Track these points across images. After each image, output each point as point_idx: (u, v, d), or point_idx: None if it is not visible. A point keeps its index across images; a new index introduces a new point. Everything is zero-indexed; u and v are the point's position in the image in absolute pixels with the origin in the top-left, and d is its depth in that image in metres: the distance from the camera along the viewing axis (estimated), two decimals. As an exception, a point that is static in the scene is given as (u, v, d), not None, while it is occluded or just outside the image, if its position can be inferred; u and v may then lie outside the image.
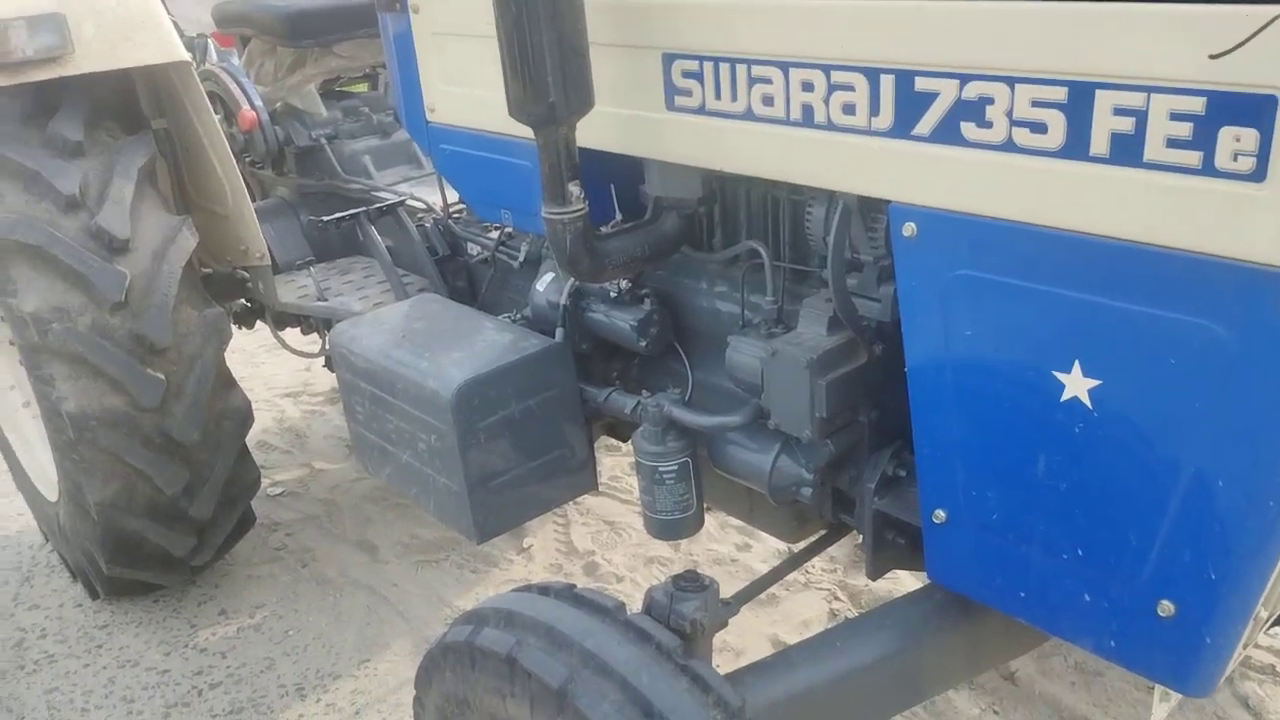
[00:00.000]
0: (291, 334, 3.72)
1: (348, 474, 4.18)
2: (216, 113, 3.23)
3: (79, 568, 3.42)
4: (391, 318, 2.48)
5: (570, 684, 1.50)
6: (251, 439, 3.34)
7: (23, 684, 3.15)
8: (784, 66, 1.55)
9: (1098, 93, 1.21)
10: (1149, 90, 1.17)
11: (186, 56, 2.97)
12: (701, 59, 1.67)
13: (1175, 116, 1.16)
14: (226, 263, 3.46)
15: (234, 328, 3.47)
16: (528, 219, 2.23)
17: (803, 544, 2.29)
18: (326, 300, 3.27)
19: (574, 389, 2.28)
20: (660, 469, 2.10)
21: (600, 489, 3.48)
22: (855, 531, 2.12)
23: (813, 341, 1.77)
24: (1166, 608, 1.38)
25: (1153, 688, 1.61)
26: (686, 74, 1.70)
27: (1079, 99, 1.23)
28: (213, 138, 3.16)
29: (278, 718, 2.95)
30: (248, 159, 3.75)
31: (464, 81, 2.21)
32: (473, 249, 3.12)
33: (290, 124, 3.68)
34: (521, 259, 2.75)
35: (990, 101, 1.32)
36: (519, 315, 2.46)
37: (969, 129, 1.35)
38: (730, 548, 3.52)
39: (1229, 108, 1.11)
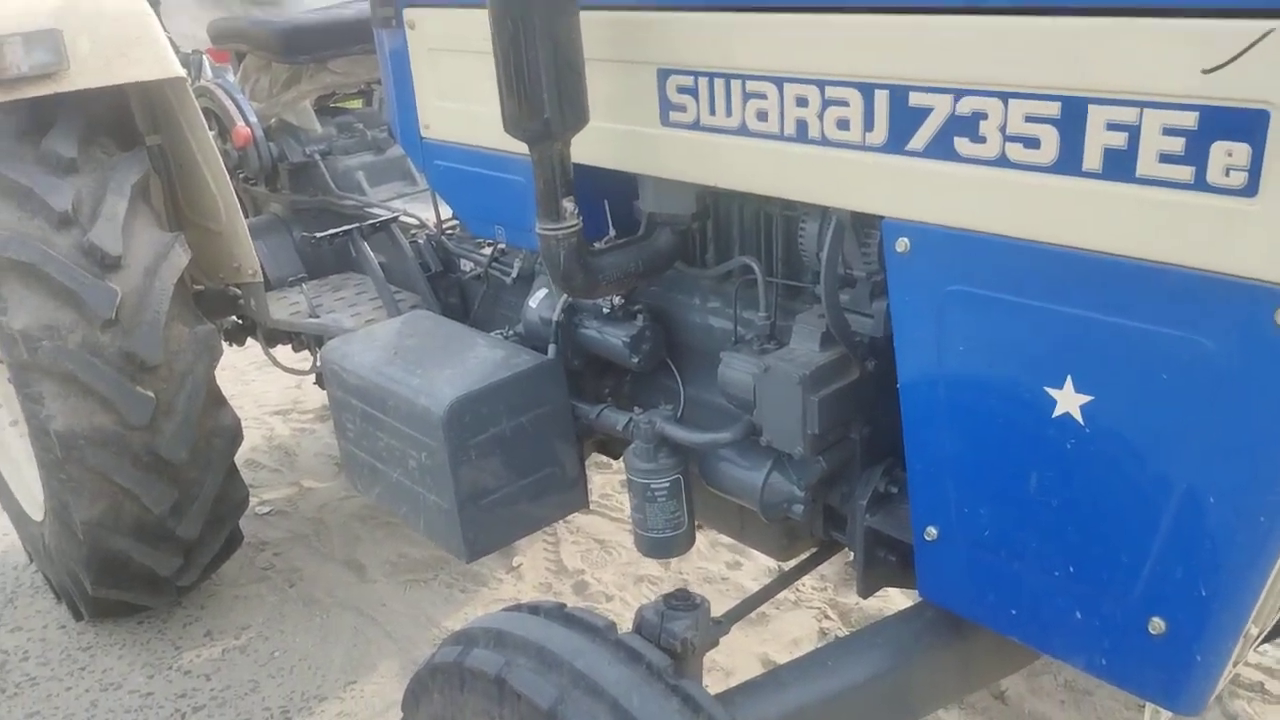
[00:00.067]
0: (283, 351, 3.71)
1: (336, 492, 4.15)
2: (211, 129, 3.24)
3: (63, 588, 3.38)
4: (383, 334, 2.48)
5: (560, 705, 1.48)
6: (240, 457, 3.32)
7: (4, 707, 3.11)
8: (778, 82, 1.56)
9: (1090, 108, 1.22)
10: (1141, 105, 1.17)
11: (182, 73, 2.97)
12: (696, 74, 1.68)
13: (1168, 131, 1.16)
14: (219, 279, 3.46)
15: (225, 345, 3.45)
16: (521, 235, 2.23)
17: (793, 562, 2.28)
18: (318, 317, 3.27)
19: (566, 406, 2.27)
20: (652, 486, 2.10)
21: (591, 507, 3.47)
22: (846, 549, 2.11)
23: (805, 357, 1.77)
24: (1157, 625, 1.37)
25: (1143, 706, 1.60)
26: (681, 89, 1.71)
27: (1072, 114, 1.24)
28: (207, 154, 3.16)
29: (263, 739, 2.92)
30: (241, 175, 3.75)
31: (459, 97, 2.21)
32: (466, 265, 3.12)
33: (284, 140, 3.68)
34: (514, 275, 2.75)
35: (984, 117, 1.32)
36: (511, 332, 2.46)
37: (962, 144, 1.36)
38: (721, 566, 3.51)
39: (1221, 123, 1.12)
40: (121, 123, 3.20)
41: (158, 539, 3.06)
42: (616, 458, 2.68)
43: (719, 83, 1.64)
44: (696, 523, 2.22)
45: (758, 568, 3.46)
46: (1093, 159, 1.23)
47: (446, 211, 3.19)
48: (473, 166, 2.25)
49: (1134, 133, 1.19)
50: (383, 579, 3.59)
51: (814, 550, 2.25)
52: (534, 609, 1.70)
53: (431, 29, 2.21)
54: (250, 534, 3.70)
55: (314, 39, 3.52)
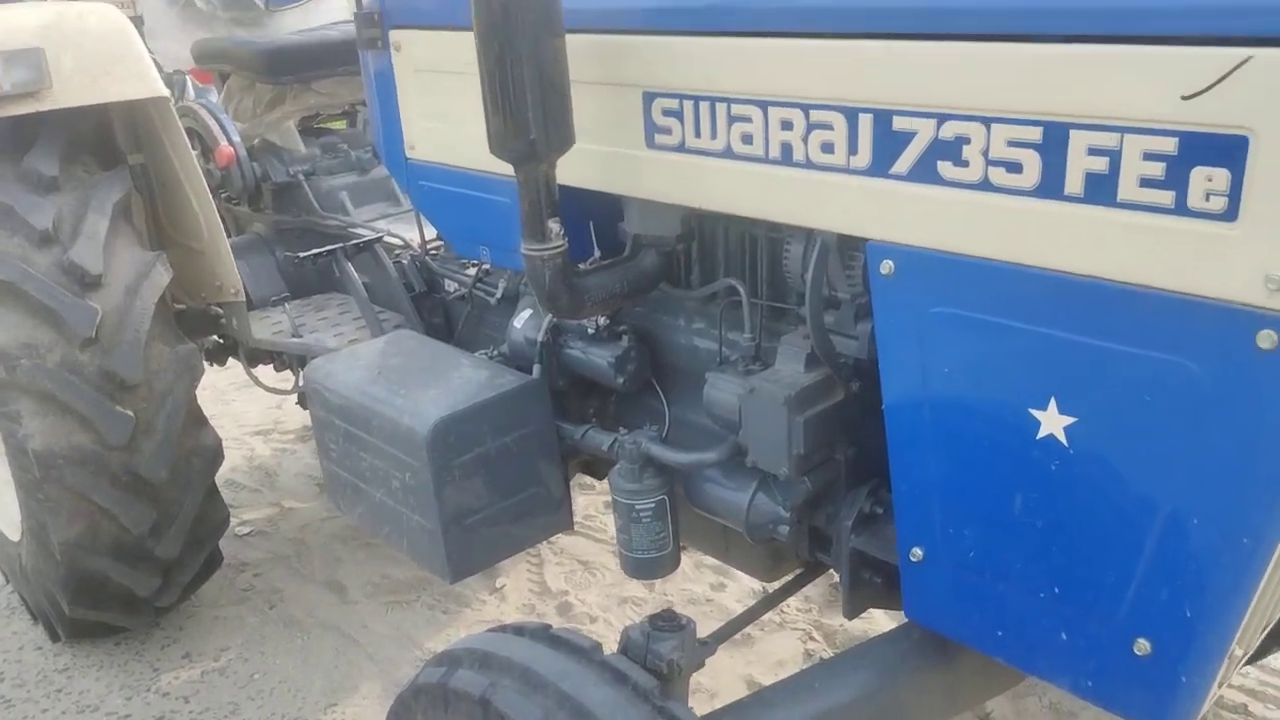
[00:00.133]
0: (264, 371, 3.69)
1: (318, 513, 4.13)
2: (194, 148, 3.23)
3: (40, 609, 3.34)
4: (367, 354, 2.47)
5: (546, 726, 1.47)
6: (220, 477, 3.29)
7: (-21, 728, 3.07)
8: (763, 105, 1.57)
9: (1072, 133, 1.23)
10: (1122, 131, 1.19)
11: (165, 92, 2.97)
12: (681, 97, 1.69)
13: (1148, 157, 1.18)
14: (200, 298, 3.44)
15: (206, 364, 3.43)
16: (506, 255, 2.23)
17: (778, 583, 2.28)
18: (301, 336, 3.25)
19: (550, 426, 2.27)
20: (637, 507, 2.09)
21: (575, 528, 3.46)
22: (831, 570, 2.11)
23: (790, 379, 1.78)
24: (1143, 646, 1.38)
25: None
26: (666, 112, 1.72)
27: (1054, 139, 1.25)
28: (189, 173, 3.15)
29: (243, 763, 2.88)
30: (224, 195, 3.74)
31: (444, 119, 2.22)
32: (450, 286, 3.12)
33: (268, 160, 3.68)
34: (499, 295, 2.74)
35: (967, 141, 1.34)
36: (496, 352, 2.46)
37: (946, 168, 1.37)
38: (705, 587, 3.50)
39: (1201, 148, 1.13)
40: (104, 141, 3.19)
41: (136, 559, 3.03)
42: (601, 478, 2.68)
43: (704, 106, 1.66)
44: (681, 544, 2.22)
45: (742, 589, 3.46)
46: (1074, 183, 1.25)
47: (430, 232, 3.19)
48: (457, 187, 2.25)
49: (1115, 158, 1.21)
50: (364, 600, 3.57)
51: (799, 571, 2.25)
52: (519, 630, 1.69)
53: (417, 51, 2.22)
54: (230, 555, 3.66)
55: (298, 60, 3.53)
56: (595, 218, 2.09)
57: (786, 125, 1.55)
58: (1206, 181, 1.14)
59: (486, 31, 1.57)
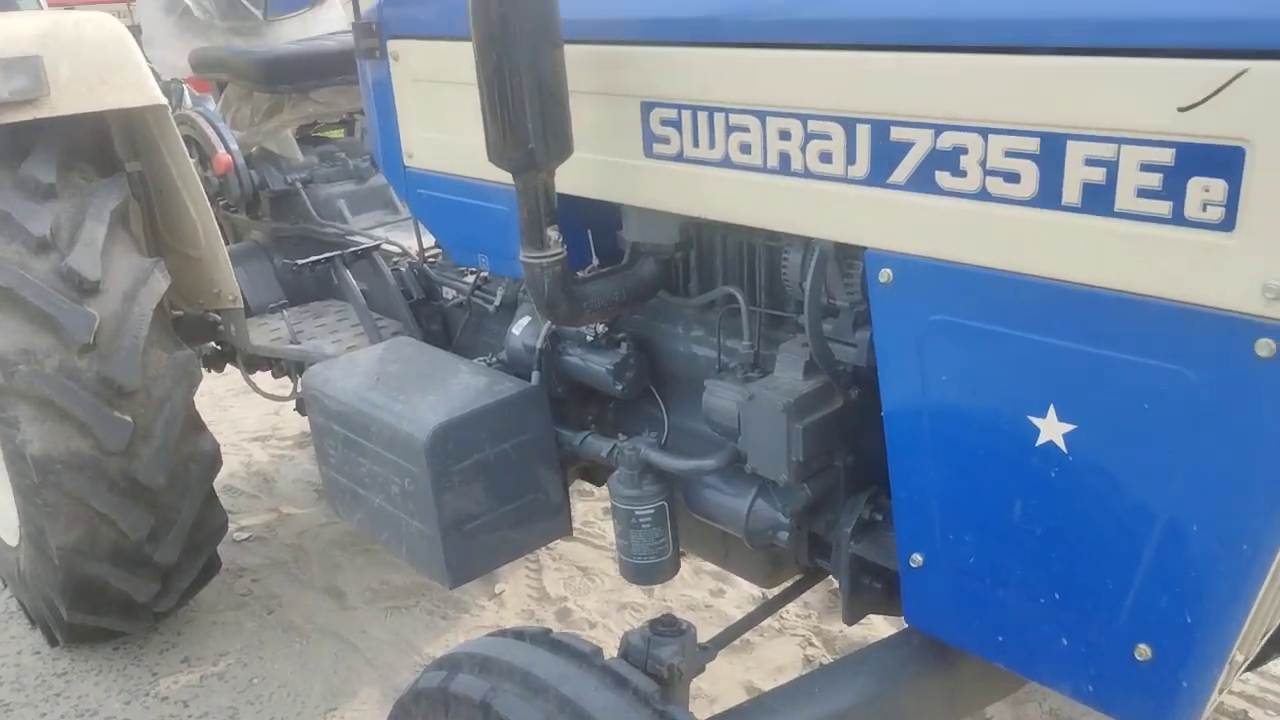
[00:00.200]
0: (262, 378, 3.70)
1: (316, 519, 4.12)
2: (192, 156, 3.23)
3: (38, 614, 3.34)
4: (366, 361, 2.47)
5: (546, 731, 1.48)
6: (218, 483, 3.29)
7: (-23, 735, 3.07)
8: (761, 115, 1.58)
9: (1069, 143, 1.24)
10: (1119, 142, 1.20)
11: (163, 100, 2.97)
12: (680, 107, 1.69)
13: (1145, 167, 1.18)
14: (198, 305, 3.44)
15: (204, 371, 3.43)
16: (505, 263, 2.24)
17: (778, 589, 2.28)
18: (299, 343, 3.26)
19: (549, 433, 2.27)
20: (636, 513, 2.10)
21: (573, 534, 3.46)
22: (830, 576, 2.12)
23: (789, 386, 1.78)
24: (1144, 652, 1.38)
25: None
26: (665, 122, 1.73)
27: (1051, 149, 1.26)
28: (187, 181, 3.15)
29: (242, 769, 2.88)
30: (222, 202, 3.75)
31: (442, 128, 2.22)
32: (448, 293, 3.12)
33: (265, 168, 3.68)
34: (497, 303, 2.75)
35: (964, 151, 1.34)
36: (495, 359, 2.46)
37: (943, 178, 1.38)
38: (704, 593, 3.50)
39: (1198, 159, 1.14)
40: (101, 149, 3.19)
41: (135, 564, 3.04)
42: (599, 484, 2.68)
43: (702, 115, 1.66)
44: (680, 549, 2.22)
45: (741, 595, 3.46)
46: (1072, 193, 1.26)
47: (428, 239, 3.20)
48: (456, 195, 2.26)
49: (1112, 168, 1.21)
50: (363, 606, 3.57)
51: (798, 577, 2.25)
52: (519, 634, 1.69)
53: (415, 61, 2.23)
54: (228, 560, 3.66)
55: (296, 70, 3.53)
56: (594, 226, 2.09)
57: (784, 135, 1.55)
58: (1204, 192, 1.15)
59: (485, 42, 1.58)
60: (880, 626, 3.08)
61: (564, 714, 1.50)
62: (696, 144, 1.69)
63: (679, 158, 1.72)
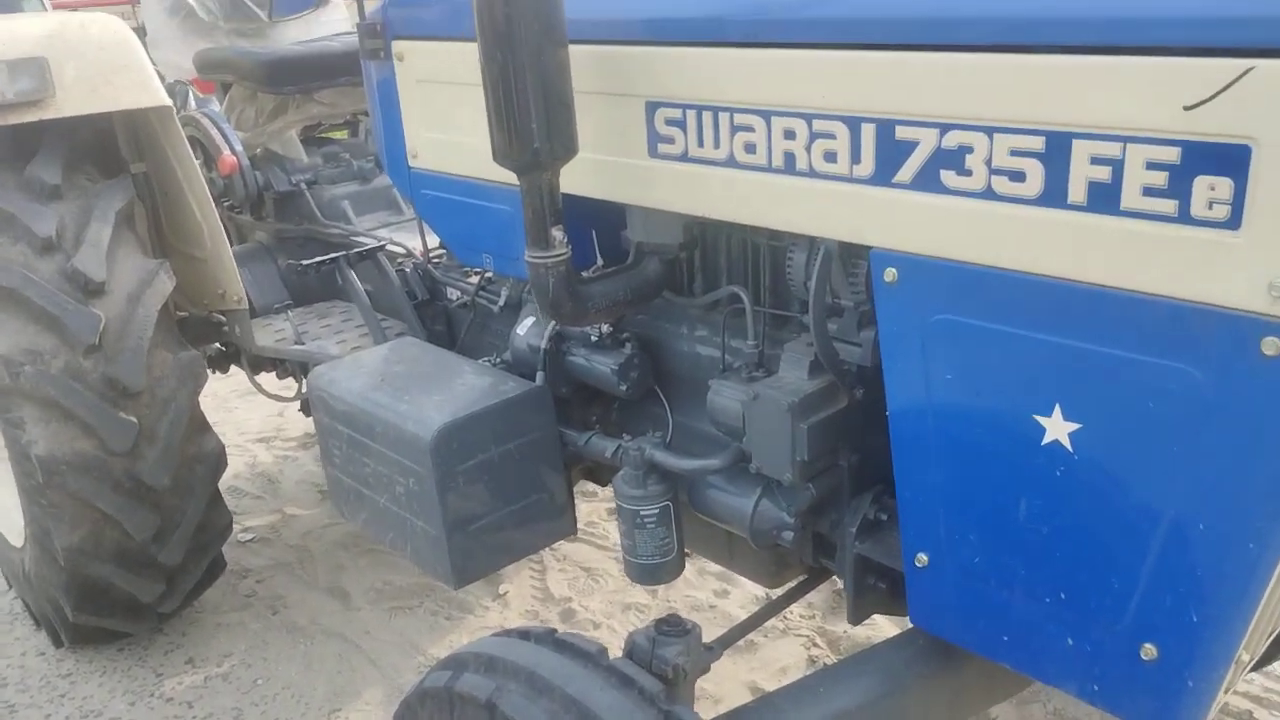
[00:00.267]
0: (267, 378, 3.70)
1: (320, 520, 4.13)
2: (196, 157, 3.24)
3: (43, 615, 3.34)
4: (370, 361, 2.48)
5: (552, 731, 1.48)
6: (223, 484, 3.30)
7: (-18, 736, 3.07)
8: (766, 115, 1.58)
9: (1075, 142, 1.24)
10: (1125, 140, 1.20)
11: (167, 101, 2.98)
12: (684, 107, 1.69)
13: (1151, 166, 1.18)
14: (203, 306, 3.45)
15: (209, 372, 3.44)
16: (509, 263, 2.24)
17: (782, 589, 2.28)
18: (304, 344, 3.26)
19: (554, 433, 2.27)
20: (641, 513, 2.10)
21: (578, 534, 3.46)
22: (835, 576, 2.12)
23: (794, 385, 1.78)
24: (1149, 651, 1.38)
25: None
26: (670, 122, 1.73)
27: (1056, 148, 1.26)
28: (192, 182, 3.16)
29: (246, 770, 2.88)
30: (227, 203, 3.75)
31: (447, 128, 2.22)
32: (452, 294, 3.13)
33: (270, 169, 3.69)
34: (502, 303, 2.75)
35: (969, 150, 1.34)
36: (499, 359, 2.46)
37: (949, 177, 1.38)
38: (708, 594, 3.50)
39: (1204, 157, 1.14)
40: (106, 150, 3.19)
41: (139, 565, 3.04)
42: (604, 485, 2.69)
43: (707, 115, 1.66)
44: (685, 550, 2.22)
45: (745, 595, 3.46)
46: (1077, 192, 1.26)
47: (433, 240, 3.20)
48: (460, 196, 2.26)
49: (1118, 167, 1.21)
50: (367, 606, 3.57)
51: (803, 578, 2.25)
52: (524, 634, 1.69)
53: (420, 61, 2.23)
54: (233, 561, 3.67)
55: (300, 71, 3.54)
56: (598, 226, 2.10)
57: (789, 135, 1.55)
58: (1209, 190, 1.15)
59: (490, 42, 1.58)
60: (885, 627, 3.08)
61: (569, 714, 1.50)
62: (701, 144, 1.69)
63: (684, 158, 1.73)
